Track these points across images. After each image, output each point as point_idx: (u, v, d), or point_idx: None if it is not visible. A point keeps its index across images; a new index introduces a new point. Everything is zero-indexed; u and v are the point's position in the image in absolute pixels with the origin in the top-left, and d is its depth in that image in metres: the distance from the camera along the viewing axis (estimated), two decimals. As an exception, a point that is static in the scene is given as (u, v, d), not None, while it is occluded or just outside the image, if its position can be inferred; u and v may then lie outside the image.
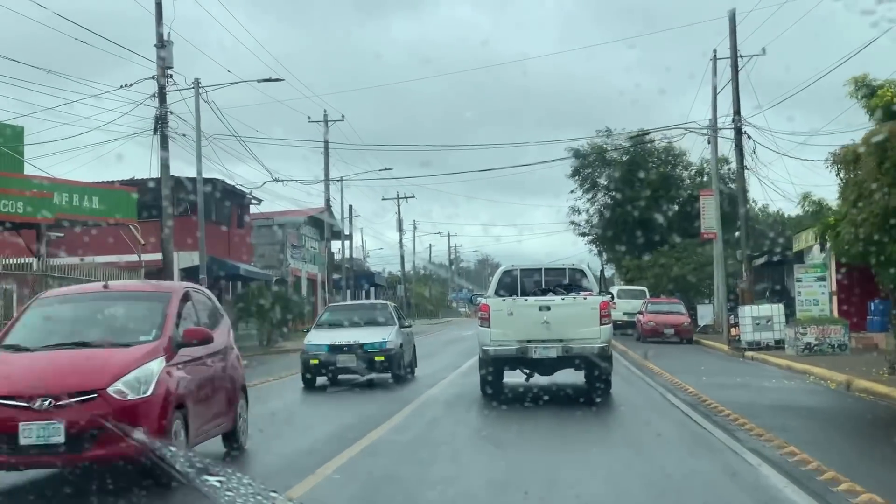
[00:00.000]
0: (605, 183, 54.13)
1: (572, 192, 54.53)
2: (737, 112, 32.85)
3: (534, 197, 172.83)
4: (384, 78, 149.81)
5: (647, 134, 36.71)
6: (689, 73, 65.29)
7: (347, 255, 65.34)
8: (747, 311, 30.80)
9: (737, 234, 39.81)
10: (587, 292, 16.67)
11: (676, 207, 53.31)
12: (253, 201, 51.20)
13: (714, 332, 42.84)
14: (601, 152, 53.01)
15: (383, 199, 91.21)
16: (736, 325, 31.82)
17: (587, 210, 55.61)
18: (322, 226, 65.22)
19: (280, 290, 43.44)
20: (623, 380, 20.60)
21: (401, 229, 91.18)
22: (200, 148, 29.02)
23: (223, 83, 31.09)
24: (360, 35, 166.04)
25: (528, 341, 15.99)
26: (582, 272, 17.68)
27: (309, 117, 57.89)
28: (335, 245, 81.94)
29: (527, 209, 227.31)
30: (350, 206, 56.59)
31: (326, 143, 57.69)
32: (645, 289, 47.28)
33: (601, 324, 16.05)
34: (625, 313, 46.31)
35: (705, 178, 52.69)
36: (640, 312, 40.28)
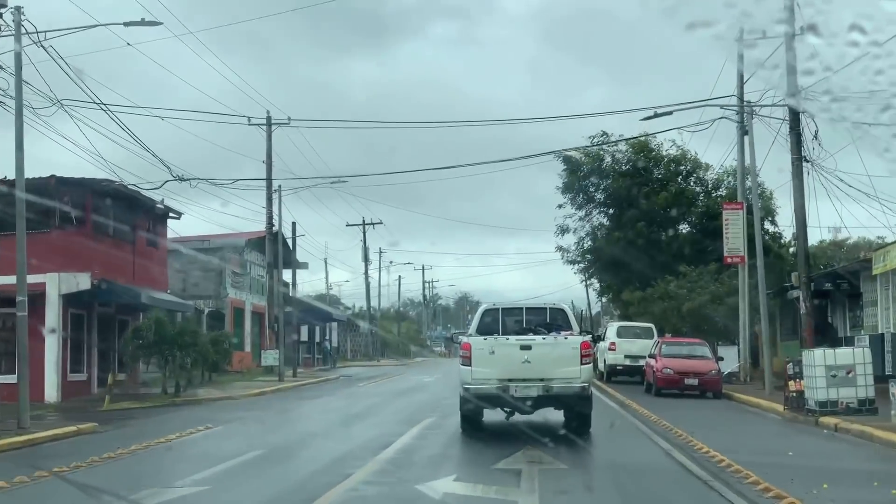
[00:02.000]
0: (602, 198, 44.78)
1: (560, 206, 45.10)
2: (790, 73, 23.41)
3: (511, 236, 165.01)
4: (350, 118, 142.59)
5: (669, 114, 27.21)
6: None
7: (297, 282, 55.66)
8: (818, 358, 21.33)
9: (792, 248, 30.36)
10: (568, 332, 16.94)
11: (687, 228, 44.11)
12: (171, 215, 41.70)
13: (739, 382, 33.52)
14: (597, 161, 43.77)
15: (347, 225, 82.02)
16: (796, 376, 22.40)
17: (577, 230, 46.16)
18: (274, 251, 55.85)
19: (188, 324, 33.80)
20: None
21: (366, 258, 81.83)
22: (21, 108, 19.51)
23: (70, 28, 21.55)
24: (325, 77, 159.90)
25: (509, 380, 16.20)
26: (563, 311, 17.80)
27: (249, 119, 48.67)
28: (288, 275, 72.35)
29: (503, 248, 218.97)
30: (294, 224, 47.15)
31: (269, 145, 48.46)
32: (651, 326, 37.89)
33: (582, 363, 16.28)
34: (627, 356, 36.97)
35: (723, 193, 43.55)
36: (653, 356, 30.81)
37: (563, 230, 45.72)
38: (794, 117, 24.27)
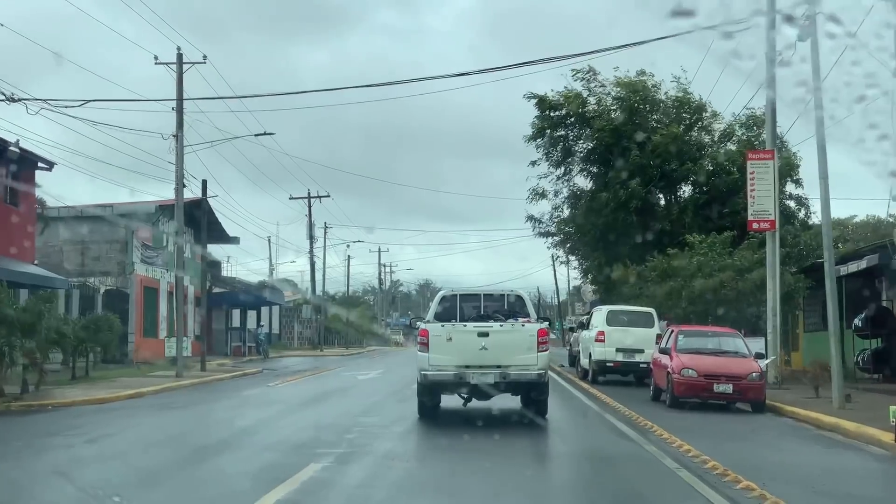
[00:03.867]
0: (584, 151, 36.08)
1: (534, 163, 36.30)
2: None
3: (471, 223, 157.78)
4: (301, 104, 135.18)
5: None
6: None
7: (210, 255, 46.66)
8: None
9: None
10: (526, 319, 16.97)
11: (690, 189, 35.66)
12: (41, 166, 32.67)
13: (769, 386, 24.99)
14: (579, 104, 35.11)
15: (291, 198, 72.82)
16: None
17: (556, 193, 37.39)
18: (198, 224, 47.01)
19: (36, 304, 24.76)
20: None
21: (311, 236, 72.65)
22: None
23: None
24: (272, 62, 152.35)
25: (467, 367, 16.16)
26: (520, 298, 17.79)
27: (156, 57, 39.78)
28: (219, 252, 63.27)
29: (464, 235, 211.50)
30: (204, 183, 37.91)
31: (180, 86, 39.58)
32: (651, 311, 29.40)
33: (539, 351, 16.30)
34: (619, 350, 28.55)
35: (734, 147, 35.09)
36: (665, 352, 22.17)
37: (539, 195, 36.98)
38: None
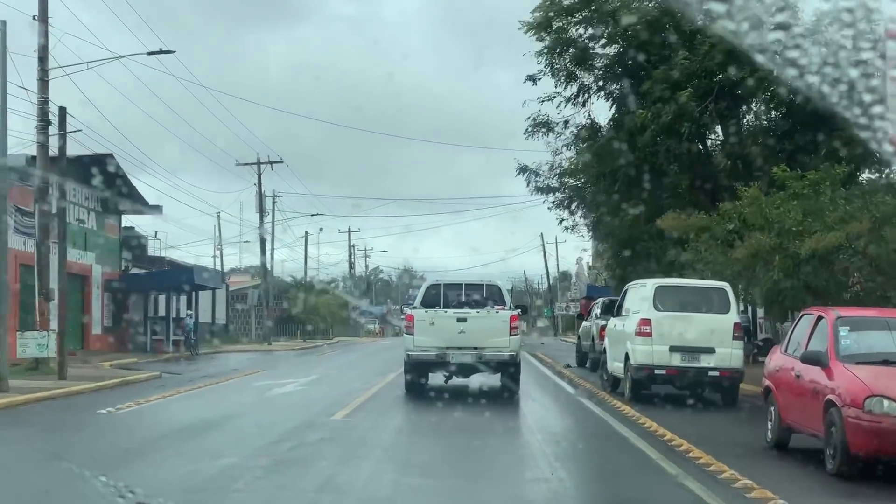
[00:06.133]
0: (606, 59, 25.00)
1: (533, 79, 25.13)
2: None
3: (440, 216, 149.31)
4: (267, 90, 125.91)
5: None
6: None
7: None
8: None
9: None
10: (500, 306, 18.89)
11: (763, 110, 24.72)
12: None
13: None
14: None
15: (237, 164, 61.54)
16: None
17: (567, 125, 26.29)
18: (106, 184, 36.36)
19: None
20: None
21: (262, 209, 61.27)
22: None
23: None
24: (231, 50, 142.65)
25: (447, 348, 18.19)
26: (497, 288, 19.73)
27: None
28: (137, 222, 52.07)
29: (440, 222, 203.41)
30: (62, 111, 26.34)
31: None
32: (726, 286, 18.49)
33: (511, 334, 18.34)
34: (676, 349, 17.79)
35: (818, 50, 24.28)
36: (814, 359, 11.01)
37: (543, 126, 25.89)
38: None
